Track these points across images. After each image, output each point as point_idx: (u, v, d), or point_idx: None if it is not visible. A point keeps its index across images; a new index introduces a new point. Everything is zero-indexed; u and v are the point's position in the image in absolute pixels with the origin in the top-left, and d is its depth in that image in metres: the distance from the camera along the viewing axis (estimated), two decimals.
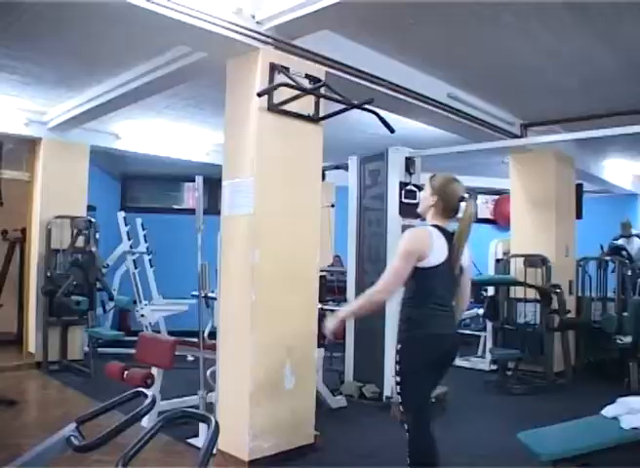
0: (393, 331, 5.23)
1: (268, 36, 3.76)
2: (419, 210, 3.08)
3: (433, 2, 3.62)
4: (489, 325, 7.13)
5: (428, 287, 2.86)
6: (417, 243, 2.82)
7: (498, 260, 7.57)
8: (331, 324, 2.89)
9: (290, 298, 3.81)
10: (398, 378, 2.93)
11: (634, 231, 8.58)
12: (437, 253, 2.80)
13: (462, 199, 2.88)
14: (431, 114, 5.38)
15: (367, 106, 3.79)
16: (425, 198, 2.96)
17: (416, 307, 2.92)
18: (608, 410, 3.15)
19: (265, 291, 3.74)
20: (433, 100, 5.20)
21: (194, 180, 4.23)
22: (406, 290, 2.94)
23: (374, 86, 4.58)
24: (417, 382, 2.89)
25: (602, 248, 8.01)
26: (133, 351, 4.87)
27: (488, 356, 7.00)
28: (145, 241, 8.06)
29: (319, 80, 3.96)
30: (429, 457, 2.81)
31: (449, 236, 2.86)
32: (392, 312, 5.27)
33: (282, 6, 3.55)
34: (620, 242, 8.35)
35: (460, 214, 2.93)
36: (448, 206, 2.89)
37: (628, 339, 5.98)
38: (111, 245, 7.87)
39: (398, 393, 2.95)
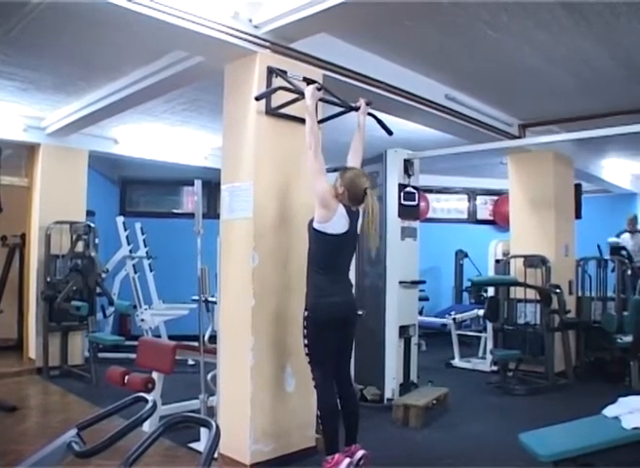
0: (394, 333, 5.26)
1: (266, 40, 3.77)
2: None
3: (430, 4, 3.64)
4: (489, 326, 7.13)
5: (325, 255, 3.43)
6: (332, 199, 3.37)
7: (497, 261, 7.57)
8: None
9: (290, 301, 3.81)
10: (306, 341, 3.46)
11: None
12: (337, 223, 3.37)
13: (365, 192, 3.38)
14: (429, 116, 5.39)
15: None
16: (336, 187, 3.45)
17: (315, 274, 3.46)
18: (609, 410, 3.15)
19: (265, 294, 3.74)
20: (431, 102, 5.21)
21: (193, 184, 4.23)
22: (308, 256, 3.51)
23: (372, 88, 4.59)
24: (317, 342, 3.43)
25: (599, 248, 8.02)
26: (133, 356, 4.87)
27: (488, 357, 7.00)
28: (145, 245, 8.06)
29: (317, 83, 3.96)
30: (330, 410, 3.42)
31: (351, 211, 3.43)
32: (392, 315, 5.30)
33: (279, 9, 3.55)
34: (626, 236, 8.37)
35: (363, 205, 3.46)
36: (353, 196, 3.41)
37: (629, 338, 5.97)
38: (111, 250, 7.88)
39: (306, 354, 3.49)
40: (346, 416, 3.57)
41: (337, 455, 3.38)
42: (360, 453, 3.44)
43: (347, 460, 3.36)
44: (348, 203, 3.44)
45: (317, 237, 3.43)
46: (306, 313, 3.45)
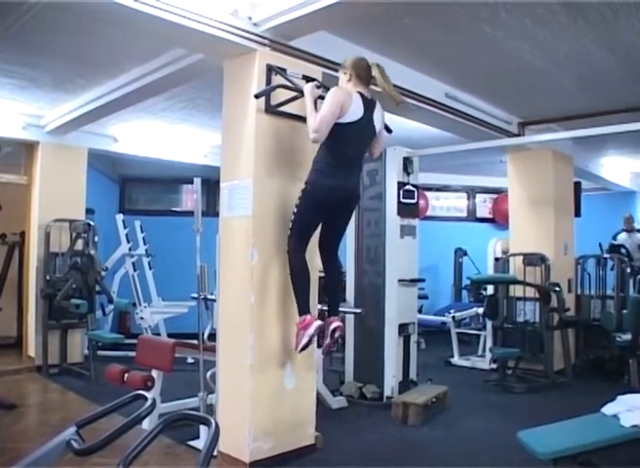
0: (393, 331, 5.27)
1: (265, 38, 3.77)
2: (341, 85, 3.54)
3: (430, 2, 3.64)
4: (489, 324, 7.14)
5: (338, 141, 3.42)
6: (342, 95, 3.39)
7: (497, 259, 7.58)
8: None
9: (289, 300, 3.80)
10: (295, 210, 3.55)
11: (637, 226, 8.60)
12: (353, 112, 3.38)
13: (369, 66, 3.49)
14: (429, 114, 5.38)
15: None
16: (342, 79, 3.54)
17: (321, 158, 3.49)
18: (608, 408, 3.15)
19: (265, 292, 3.74)
20: (431, 100, 5.20)
21: (192, 182, 4.23)
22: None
23: (371, 86, 4.57)
24: (305, 217, 3.54)
25: (601, 246, 8.02)
26: (133, 354, 4.87)
27: (488, 355, 7.01)
28: (144, 243, 8.05)
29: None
30: (302, 271, 3.60)
31: (367, 101, 3.46)
32: (392, 313, 5.30)
33: (278, 7, 3.55)
34: (623, 236, 8.36)
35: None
36: (360, 73, 3.49)
37: (628, 337, 5.99)
38: (110, 247, 7.88)
39: (291, 221, 3.59)
40: (330, 290, 3.77)
41: (308, 316, 3.53)
42: (335, 324, 3.58)
43: (319, 322, 3.53)
44: (358, 83, 3.48)
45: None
46: (305, 186, 3.51)
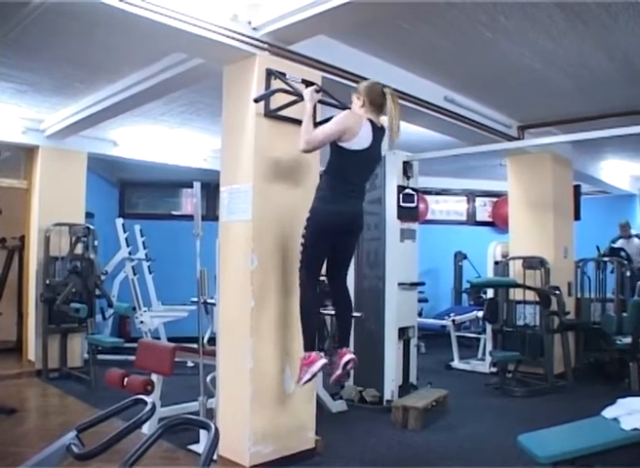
0: (393, 335, 5.26)
1: (265, 42, 3.78)
2: (354, 110, 3.45)
3: (428, 5, 3.65)
4: (488, 327, 7.13)
5: (343, 167, 3.40)
6: (352, 120, 3.32)
7: (496, 263, 7.58)
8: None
9: (289, 303, 3.81)
10: (302, 241, 3.49)
11: (633, 231, 8.61)
12: (361, 139, 3.31)
13: (384, 93, 3.38)
14: (428, 117, 5.39)
15: None
16: (356, 103, 3.44)
17: (325, 183, 3.47)
18: (608, 412, 3.15)
19: (264, 296, 3.74)
20: (430, 104, 5.21)
21: (192, 187, 4.23)
22: (325, 167, 3.47)
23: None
24: (312, 245, 3.46)
25: (598, 249, 8.03)
26: (133, 358, 4.87)
27: (488, 358, 7.00)
28: (144, 247, 8.05)
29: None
30: (311, 308, 3.57)
31: (376, 128, 3.39)
32: (391, 317, 5.30)
33: (278, 12, 3.56)
34: (620, 242, 8.37)
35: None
36: (374, 99, 3.38)
37: (628, 340, 5.98)
38: (110, 252, 7.87)
39: (300, 252, 3.53)
40: (340, 320, 3.73)
41: (313, 353, 3.46)
42: (348, 357, 3.52)
43: (323, 361, 3.46)
44: (371, 110, 3.39)
45: (338, 151, 3.36)
46: (309, 215, 3.45)
